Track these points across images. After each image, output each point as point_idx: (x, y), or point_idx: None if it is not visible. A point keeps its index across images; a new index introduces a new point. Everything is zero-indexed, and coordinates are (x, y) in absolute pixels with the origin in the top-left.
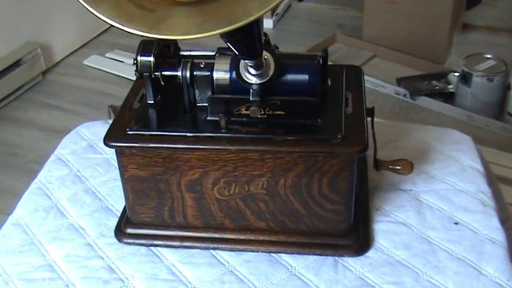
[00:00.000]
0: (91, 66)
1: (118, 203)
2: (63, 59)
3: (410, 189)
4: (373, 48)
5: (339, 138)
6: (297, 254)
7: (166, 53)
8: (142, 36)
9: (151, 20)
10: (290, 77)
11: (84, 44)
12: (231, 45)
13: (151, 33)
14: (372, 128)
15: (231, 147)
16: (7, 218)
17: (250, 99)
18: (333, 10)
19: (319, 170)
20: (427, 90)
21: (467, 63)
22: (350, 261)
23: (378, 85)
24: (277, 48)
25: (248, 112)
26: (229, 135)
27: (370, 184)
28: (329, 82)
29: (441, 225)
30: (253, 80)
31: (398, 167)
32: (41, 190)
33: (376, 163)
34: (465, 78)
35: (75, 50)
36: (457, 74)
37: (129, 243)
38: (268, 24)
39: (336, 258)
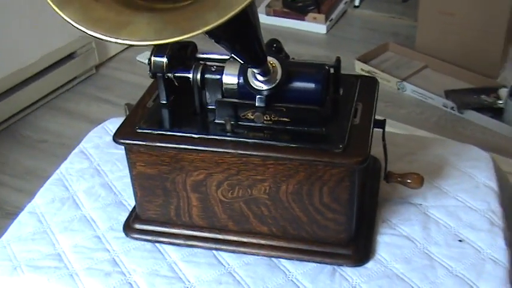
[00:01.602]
0: (144, 63)
1: (131, 198)
2: (117, 53)
3: (420, 204)
4: (424, 59)
5: (341, 148)
6: (297, 260)
7: (183, 54)
8: (104, 40)
9: (114, 25)
10: (296, 84)
11: None
12: (234, 54)
13: (112, 38)
14: (383, 140)
15: (234, 151)
16: None
17: (256, 104)
18: (388, 18)
19: (319, 178)
20: (475, 104)
21: None
22: (348, 271)
23: (426, 96)
24: (288, 56)
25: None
26: (233, 139)
27: (380, 196)
28: (341, 91)
29: (445, 242)
30: (260, 86)
31: (408, 181)
32: (61, 181)
33: (386, 175)
34: None
35: (129, 46)
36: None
37: (136, 239)
38: (321, 29)
39: (335, 267)
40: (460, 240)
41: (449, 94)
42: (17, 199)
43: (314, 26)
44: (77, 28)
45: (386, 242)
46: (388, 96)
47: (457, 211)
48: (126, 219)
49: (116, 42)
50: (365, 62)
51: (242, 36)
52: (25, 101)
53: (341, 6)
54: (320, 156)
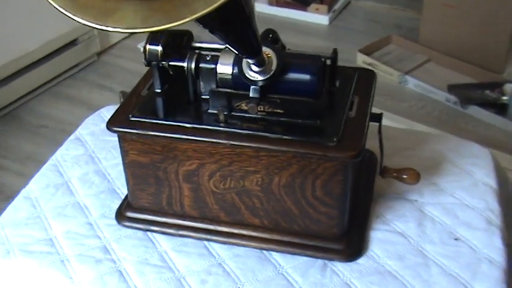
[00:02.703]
0: None
1: (125, 186)
2: (118, 41)
3: (416, 200)
4: (428, 52)
5: (334, 141)
6: (288, 253)
7: (179, 43)
8: (90, 27)
9: (101, 12)
10: (291, 76)
11: None
12: (228, 44)
13: (98, 25)
14: (379, 133)
15: (226, 142)
16: None
17: (250, 95)
18: (391, 10)
19: (313, 172)
20: (478, 100)
21: None
22: (339, 266)
23: (429, 91)
24: (284, 46)
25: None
26: (226, 129)
27: (375, 191)
28: (337, 84)
29: (440, 240)
30: (255, 76)
31: (404, 176)
32: (55, 167)
33: (381, 170)
34: None
35: (131, 33)
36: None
37: (127, 227)
38: (323, 20)
39: (326, 261)
40: (455, 239)
41: (452, 89)
42: (17, 183)
43: (316, 17)
44: (64, 14)
45: (380, 238)
46: (390, 89)
47: (454, 209)
48: (119, 207)
49: (102, 29)
50: (367, 54)
51: (235, 26)
52: (27, 86)
53: None
54: (313, 149)
